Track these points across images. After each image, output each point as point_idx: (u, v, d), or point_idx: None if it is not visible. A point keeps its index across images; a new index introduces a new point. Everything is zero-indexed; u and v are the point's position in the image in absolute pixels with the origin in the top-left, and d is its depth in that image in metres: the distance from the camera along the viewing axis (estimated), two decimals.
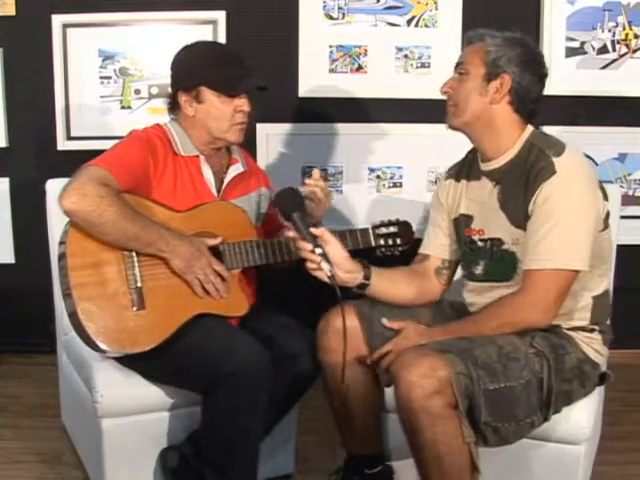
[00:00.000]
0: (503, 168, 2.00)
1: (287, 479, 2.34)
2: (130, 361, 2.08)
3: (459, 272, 2.19)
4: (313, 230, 1.98)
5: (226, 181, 2.24)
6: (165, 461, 2.12)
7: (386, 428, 2.12)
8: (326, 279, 1.95)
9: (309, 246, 1.96)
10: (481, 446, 1.82)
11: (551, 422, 1.92)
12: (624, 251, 2.49)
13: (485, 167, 2.04)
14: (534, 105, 2.00)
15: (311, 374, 2.13)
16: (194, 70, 2.14)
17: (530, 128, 2.02)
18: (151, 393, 2.11)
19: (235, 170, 2.26)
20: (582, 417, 1.94)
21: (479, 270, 2.06)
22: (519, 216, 1.94)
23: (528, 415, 1.84)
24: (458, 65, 2.02)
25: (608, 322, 2.07)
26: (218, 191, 2.22)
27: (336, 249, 2.01)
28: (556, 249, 1.86)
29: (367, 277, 2.06)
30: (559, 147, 1.94)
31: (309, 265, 1.98)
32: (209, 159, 2.22)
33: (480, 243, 2.05)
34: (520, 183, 1.94)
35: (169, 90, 2.23)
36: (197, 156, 2.19)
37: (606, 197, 1.99)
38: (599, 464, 2.26)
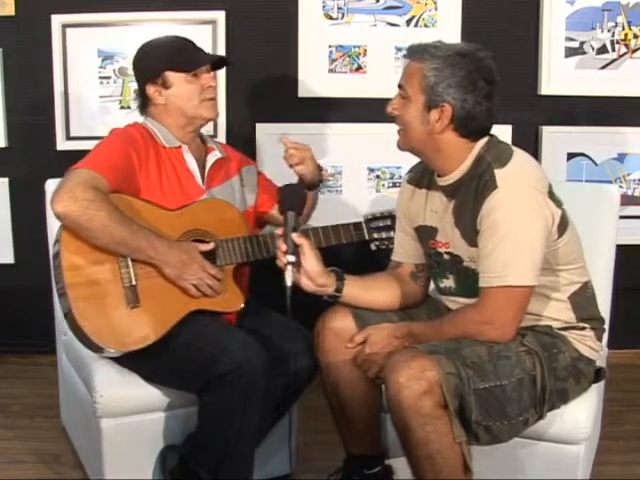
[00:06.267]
0: (455, 184, 1.95)
1: (287, 479, 2.34)
2: (127, 360, 2.08)
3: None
4: (295, 237, 1.95)
5: (207, 166, 2.26)
6: (164, 461, 2.12)
7: (386, 428, 2.11)
8: (287, 283, 1.93)
9: (284, 247, 1.95)
10: (473, 445, 1.81)
11: (550, 422, 1.92)
12: (624, 251, 2.48)
13: (440, 182, 2.00)
14: (484, 123, 1.92)
15: (309, 373, 2.13)
16: (155, 59, 2.21)
17: (483, 140, 1.94)
18: (150, 393, 2.11)
19: (214, 156, 2.29)
20: (581, 417, 1.94)
21: (448, 283, 2.03)
22: (471, 233, 1.90)
23: (520, 413, 1.84)
24: (400, 86, 1.96)
25: (598, 313, 2.04)
26: (202, 178, 2.24)
27: (311, 262, 1.98)
28: (504, 266, 1.82)
29: (339, 290, 2.05)
30: (505, 157, 1.87)
31: (277, 262, 1.98)
32: (191, 148, 2.25)
33: (446, 256, 2.00)
34: (470, 199, 1.90)
35: (136, 89, 2.27)
36: (179, 147, 2.22)
37: (559, 203, 1.92)
38: (599, 464, 2.26)
